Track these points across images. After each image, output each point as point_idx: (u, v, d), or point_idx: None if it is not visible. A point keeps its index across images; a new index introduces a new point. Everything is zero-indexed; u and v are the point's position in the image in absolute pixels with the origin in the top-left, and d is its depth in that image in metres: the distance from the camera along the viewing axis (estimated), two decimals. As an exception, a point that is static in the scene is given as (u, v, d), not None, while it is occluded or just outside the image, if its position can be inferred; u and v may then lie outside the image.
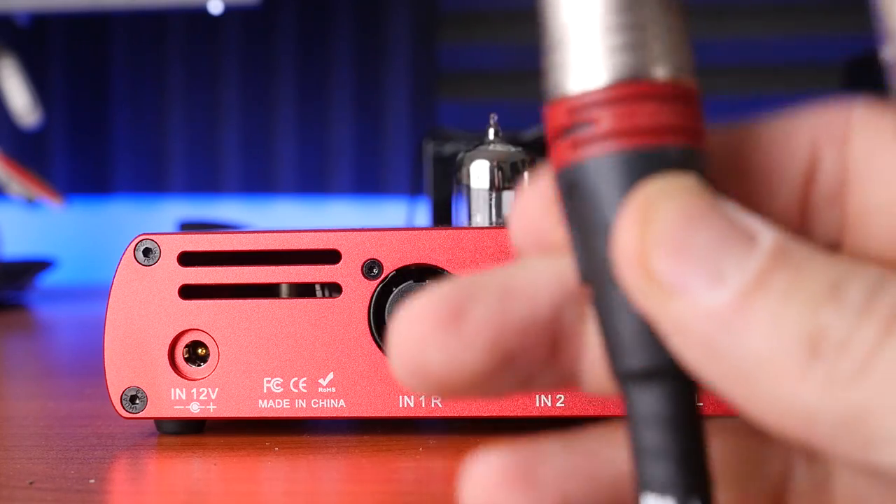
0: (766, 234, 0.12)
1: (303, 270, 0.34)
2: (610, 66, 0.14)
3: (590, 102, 0.14)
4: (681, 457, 0.14)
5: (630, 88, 0.14)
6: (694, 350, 0.12)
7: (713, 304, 0.12)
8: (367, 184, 1.47)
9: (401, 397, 0.34)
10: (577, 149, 0.14)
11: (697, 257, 0.12)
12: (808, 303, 0.12)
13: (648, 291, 0.13)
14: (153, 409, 0.34)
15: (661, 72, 0.14)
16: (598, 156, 0.14)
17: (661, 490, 0.14)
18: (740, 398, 0.12)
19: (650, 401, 0.14)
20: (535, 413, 0.33)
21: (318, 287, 0.36)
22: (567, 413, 0.33)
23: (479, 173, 0.39)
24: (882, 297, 0.12)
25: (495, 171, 0.39)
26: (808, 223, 0.15)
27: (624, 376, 0.14)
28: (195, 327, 0.34)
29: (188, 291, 0.35)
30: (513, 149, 0.40)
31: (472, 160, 0.40)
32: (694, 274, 0.12)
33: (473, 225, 0.39)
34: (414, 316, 0.14)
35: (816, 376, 0.12)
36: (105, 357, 0.35)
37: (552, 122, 0.15)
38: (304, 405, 0.34)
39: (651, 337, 0.14)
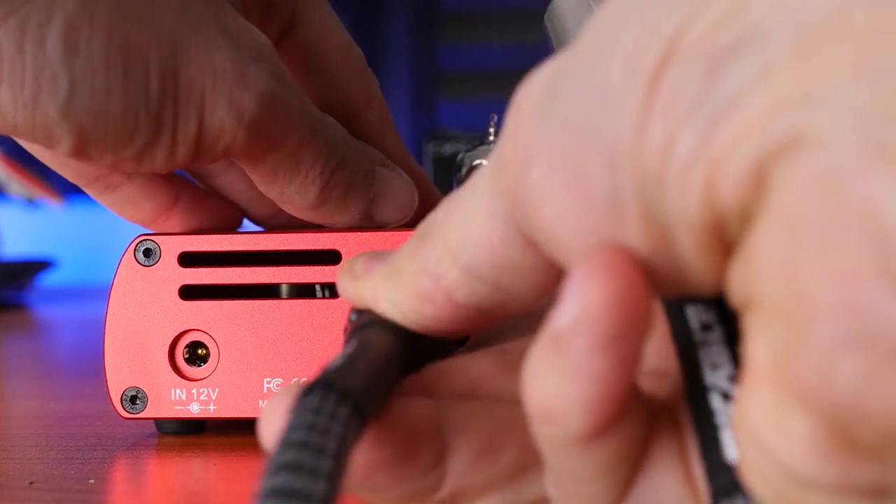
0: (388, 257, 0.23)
1: (303, 271, 0.34)
2: None
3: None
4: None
5: None
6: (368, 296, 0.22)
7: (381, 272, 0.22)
8: (367, 184, 1.46)
9: (401, 397, 0.34)
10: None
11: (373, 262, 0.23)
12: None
13: (353, 283, 0.23)
14: (153, 410, 0.34)
15: None
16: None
17: None
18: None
19: None
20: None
21: (318, 287, 0.36)
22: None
23: (478, 173, 0.39)
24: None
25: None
26: None
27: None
28: (195, 328, 0.34)
29: (188, 292, 0.35)
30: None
31: (472, 160, 0.40)
32: (370, 267, 0.23)
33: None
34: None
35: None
36: (105, 357, 0.35)
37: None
38: (304, 405, 0.34)
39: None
